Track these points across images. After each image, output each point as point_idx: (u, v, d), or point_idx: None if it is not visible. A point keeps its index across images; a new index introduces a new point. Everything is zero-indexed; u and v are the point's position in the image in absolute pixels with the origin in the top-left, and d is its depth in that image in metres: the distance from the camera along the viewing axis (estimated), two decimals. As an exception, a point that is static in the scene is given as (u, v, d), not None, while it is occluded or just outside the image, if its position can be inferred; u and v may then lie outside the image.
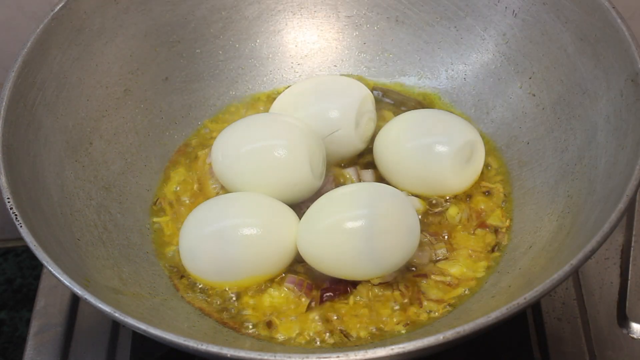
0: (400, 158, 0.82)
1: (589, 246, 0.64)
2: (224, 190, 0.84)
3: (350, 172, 0.85)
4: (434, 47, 0.92)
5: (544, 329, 0.83)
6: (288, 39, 0.95)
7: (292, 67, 0.96)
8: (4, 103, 0.75)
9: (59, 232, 0.74)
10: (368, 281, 0.76)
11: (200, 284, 0.78)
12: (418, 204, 0.82)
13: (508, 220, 0.81)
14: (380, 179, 0.85)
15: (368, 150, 0.87)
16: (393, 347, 0.59)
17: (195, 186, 0.86)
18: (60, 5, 0.82)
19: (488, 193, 0.83)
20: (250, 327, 0.75)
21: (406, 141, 0.83)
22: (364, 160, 0.87)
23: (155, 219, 0.84)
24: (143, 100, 0.89)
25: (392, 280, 0.76)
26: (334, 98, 0.85)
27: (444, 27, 0.91)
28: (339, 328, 0.74)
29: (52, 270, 0.66)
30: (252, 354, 0.60)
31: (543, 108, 0.84)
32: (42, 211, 0.74)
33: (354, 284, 0.76)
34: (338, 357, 0.59)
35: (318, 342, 0.74)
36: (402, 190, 0.81)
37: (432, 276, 0.77)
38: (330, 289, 0.76)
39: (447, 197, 0.83)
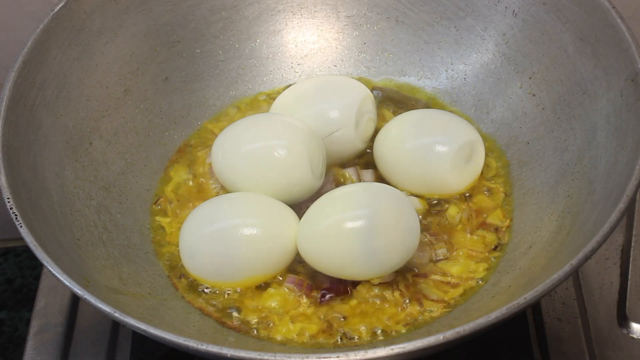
0: (400, 158, 0.82)
1: (589, 246, 0.64)
2: (224, 190, 0.84)
3: (350, 172, 0.85)
4: (434, 47, 0.92)
5: (544, 329, 0.83)
6: (288, 39, 0.95)
7: (292, 67, 0.96)
8: (4, 103, 0.75)
9: (59, 232, 0.74)
10: (368, 281, 0.76)
11: (200, 284, 0.78)
12: (418, 204, 0.82)
13: (508, 220, 0.81)
14: (380, 179, 0.85)
15: (368, 150, 0.87)
16: (393, 347, 0.59)
17: (195, 186, 0.86)
18: (60, 5, 0.82)
19: (488, 193, 0.83)
20: (250, 327, 0.75)
21: (406, 141, 0.83)
22: (364, 160, 0.87)
23: (155, 219, 0.84)
24: (143, 100, 0.89)
25: (392, 280, 0.76)
26: (334, 98, 0.85)
27: (444, 27, 0.91)
28: (339, 328, 0.74)
29: (52, 270, 0.66)
30: (252, 354, 0.60)
31: (543, 108, 0.84)
32: (42, 211, 0.74)
33: (354, 284, 0.76)
34: (338, 357, 0.59)
35: (318, 342, 0.74)
36: (402, 190, 0.81)
37: (432, 276, 0.77)
38: (330, 289, 0.76)
39: (448, 197, 0.83)
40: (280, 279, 0.77)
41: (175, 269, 0.80)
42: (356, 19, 0.95)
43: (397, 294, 0.76)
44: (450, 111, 0.90)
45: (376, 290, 0.76)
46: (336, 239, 0.73)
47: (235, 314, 0.76)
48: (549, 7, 0.83)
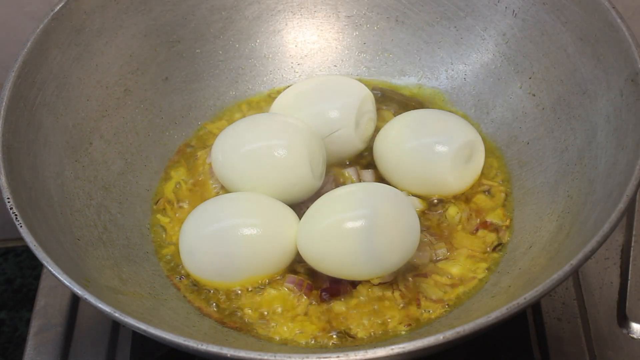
0: (400, 158, 0.82)
1: (589, 246, 0.64)
2: (224, 190, 0.84)
3: (350, 172, 0.85)
4: (434, 47, 0.92)
5: (544, 329, 0.83)
6: (288, 39, 0.95)
7: (292, 67, 0.96)
8: (4, 103, 0.75)
9: (59, 232, 0.74)
10: (368, 281, 0.76)
11: (200, 284, 0.78)
12: (418, 204, 0.82)
13: (508, 220, 0.81)
14: (380, 179, 0.85)
15: (368, 150, 0.87)
16: (393, 347, 0.59)
17: (195, 186, 0.86)
18: (60, 5, 0.82)
19: (488, 192, 0.83)
20: (250, 327, 0.75)
21: (406, 141, 0.83)
22: (364, 160, 0.87)
23: (155, 219, 0.84)
24: (143, 100, 0.89)
25: (392, 280, 0.76)
26: (334, 98, 0.85)
27: (444, 27, 0.91)
28: (339, 328, 0.74)
29: (52, 270, 0.66)
30: (252, 354, 0.60)
31: (543, 108, 0.84)
32: (42, 211, 0.74)
33: (354, 284, 0.76)
34: (338, 357, 0.59)
35: (318, 342, 0.74)
36: (402, 190, 0.81)
37: (432, 276, 0.77)
38: (330, 289, 0.76)
39: (447, 197, 0.83)
40: (281, 278, 0.77)
41: (175, 269, 0.80)
42: (356, 19, 0.95)
43: (397, 294, 0.76)
44: (450, 111, 0.90)
45: (376, 290, 0.76)
46: (336, 239, 0.73)
47: (235, 313, 0.76)
48: (549, 7, 0.83)
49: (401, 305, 0.75)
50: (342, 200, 0.75)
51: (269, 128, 0.82)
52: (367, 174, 0.85)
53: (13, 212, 0.69)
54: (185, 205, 0.85)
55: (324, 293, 0.76)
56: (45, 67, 0.80)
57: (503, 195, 0.83)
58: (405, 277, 0.77)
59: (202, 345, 0.61)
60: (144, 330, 0.63)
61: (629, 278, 0.87)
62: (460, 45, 0.91)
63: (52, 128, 0.80)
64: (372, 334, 0.74)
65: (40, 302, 0.89)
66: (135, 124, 0.88)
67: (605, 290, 0.86)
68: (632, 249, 0.89)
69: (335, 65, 0.96)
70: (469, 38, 0.91)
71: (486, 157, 0.85)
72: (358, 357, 0.59)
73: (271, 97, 0.93)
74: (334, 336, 0.74)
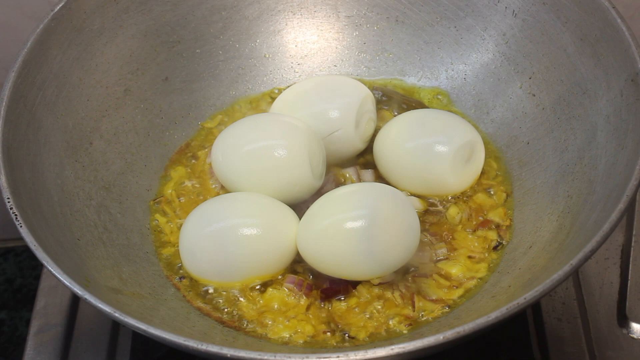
0: (400, 158, 0.82)
1: (589, 246, 0.64)
2: (224, 190, 0.84)
3: (350, 172, 0.85)
4: (434, 47, 0.92)
5: (544, 329, 0.83)
6: (288, 39, 0.95)
7: (292, 67, 0.96)
8: (4, 103, 0.75)
9: (59, 232, 0.74)
10: (368, 281, 0.76)
11: (200, 284, 0.78)
12: (418, 204, 0.82)
13: (508, 220, 0.81)
14: (380, 179, 0.85)
15: (368, 150, 0.87)
16: (393, 347, 0.59)
17: (195, 186, 0.86)
18: (60, 5, 0.82)
19: (488, 192, 0.83)
20: (250, 327, 0.75)
21: (406, 141, 0.83)
22: (364, 160, 0.87)
23: (155, 219, 0.84)
24: (143, 100, 0.89)
25: (392, 280, 0.76)
26: (334, 98, 0.85)
27: (444, 27, 0.91)
28: (339, 328, 0.74)
29: (52, 270, 0.66)
30: (252, 354, 0.60)
31: (543, 108, 0.84)
32: (42, 211, 0.74)
33: (354, 284, 0.76)
34: (338, 357, 0.59)
35: (318, 342, 0.74)
36: (402, 190, 0.81)
37: (433, 276, 0.77)
38: (330, 289, 0.76)
39: (447, 197, 0.83)
40: (281, 277, 0.77)
41: (175, 269, 0.80)
42: (356, 19, 0.95)
43: (397, 294, 0.76)
44: (450, 111, 0.90)
45: (376, 290, 0.76)
46: (336, 239, 0.73)
47: (235, 313, 0.76)
48: (549, 7, 0.83)
49: (401, 305, 0.75)
50: (342, 200, 0.75)
51: (269, 128, 0.82)
52: (367, 174, 0.85)
53: (13, 212, 0.69)
54: (185, 205, 0.85)
55: (324, 293, 0.76)
56: (45, 67, 0.80)
57: (503, 195, 0.83)
58: (406, 277, 0.77)
59: (202, 345, 0.61)
60: (144, 330, 0.63)
61: (629, 278, 0.87)
62: (460, 45, 0.91)
63: (52, 128, 0.80)
64: (372, 334, 0.74)
65: (40, 302, 0.89)
66: (135, 124, 0.88)
67: (605, 290, 0.86)
68: (632, 249, 0.89)
69: (335, 65, 0.96)
70: (469, 38, 0.91)
71: (486, 157, 0.85)
72: (358, 357, 0.59)
73: (271, 97, 0.93)
74: (334, 336, 0.74)
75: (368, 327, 0.74)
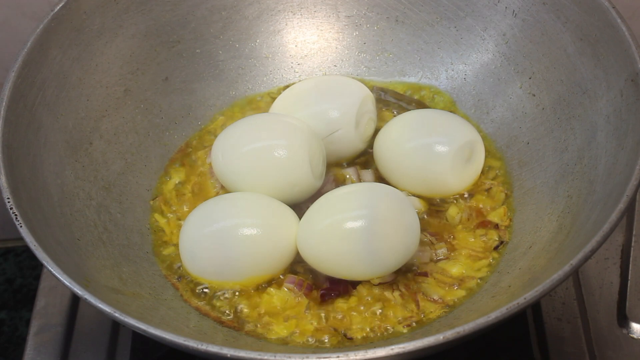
0: (400, 158, 0.82)
1: (589, 246, 0.64)
2: (224, 190, 0.84)
3: (350, 172, 0.85)
4: (434, 47, 0.92)
5: (544, 329, 0.83)
6: (288, 39, 0.95)
7: (292, 67, 0.96)
8: (4, 103, 0.75)
9: (59, 232, 0.74)
10: (368, 281, 0.76)
11: (200, 284, 0.78)
12: (418, 204, 0.82)
13: (508, 220, 0.81)
14: (380, 179, 0.85)
15: (368, 150, 0.87)
16: (393, 347, 0.59)
17: (195, 186, 0.86)
18: (60, 5, 0.82)
19: (488, 193, 0.83)
20: (250, 327, 0.75)
21: (406, 141, 0.83)
22: (364, 160, 0.87)
23: (155, 219, 0.84)
24: (143, 100, 0.89)
25: (392, 280, 0.76)
26: (334, 98, 0.85)
27: (444, 27, 0.91)
28: (338, 328, 0.74)
29: (52, 270, 0.66)
30: (252, 354, 0.60)
31: (543, 108, 0.84)
32: (42, 211, 0.74)
33: (354, 284, 0.76)
34: (338, 357, 0.59)
35: (318, 342, 0.74)
36: (402, 190, 0.81)
37: (433, 276, 0.77)
38: (330, 289, 0.76)
39: (448, 197, 0.83)
40: (282, 277, 0.77)
41: (175, 269, 0.80)
42: (356, 19, 0.95)
43: (397, 294, 0.76)
44: (450, 111, 0.90)
45: (376, 290, 0.76)
46: (336, 239, 0.73)
47: (235, 313, 0.76)
48: (549, 7, 0.83)
49: (401, 305, 0.75)
50: (342, 200, 0.75)
51: (269, 128, 0.82)
52: (367, 174, 0.85)
53: (13, 212, 0.69)
54: (185, 206, 0.85)
55: (323, 293, 0.76)
56: (45, 67, 0.80)
57: (503, 195, 0.83)
58: (406, 277, 0.77)
59: (202, 345, 0.61)
60: (144, 330, 0.63)
61: (629, 278, 0.87)
62: (460, 45, 0.91)
63: (52, 128, 0.80)
64: (372, 334, 0.74)
65: (40, 302, 0.89)
66: (135, 124, 0.88)
67: (605, 290, 0.86)
68: (632, 249, 0.89)
69: (335, 65, 0.96)
70: (469, 38, 0.91)
71: (486, 157, 0.85)
72: (358, 357, 0.59)
73: (271, 97, 0.93)
74: (334, 336, 0.74)
75: (368, 327, 0.74)
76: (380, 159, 0.84)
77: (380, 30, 0.94)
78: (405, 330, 0.74)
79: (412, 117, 0.85)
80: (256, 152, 0.80)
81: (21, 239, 0.68)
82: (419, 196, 0.83)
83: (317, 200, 0.77)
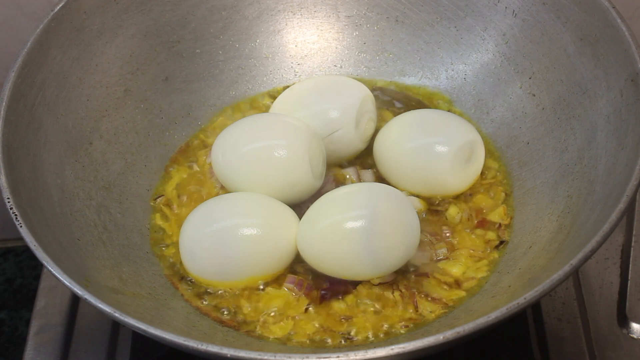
0: (400, 158, 0.82)
1: (589, 246, 0.64)
2: (224, 190, 0.84)
3: (350, 172, 0.85)
4: (434, 47, 0.92)
5: (544, 329, 0.83)
6: (288, 39, 0.95)
7: (292, 67, 0.96)
8: (4, 103, 0.75)
9: (59, 232, 0.74)
10: (368, 281, 0.76)
11: (200, 284, 0.78)
12: (418, 204, 0.82)
13: (508, 219, 0.81)
14: (380, 179, 0.85)
15: (368, 150, 0.87)
16: (393, 347, 0.59)
17: (195, 186, 0.86)
18: (60, 5, 0.82)
19: (488, 192, 0.83)
20: (250, 326, 0.75)
21: (406, 141, 0.83)
22: (364, 160, 0.87)
23: (155, 219, 0.84)
24: (143, 100, 0.89)
25: (392, 280, 0.76)
26: (334, 98, 0.85)
27: (444, 27, 0.91)
28: (338, 328, 0.74)
29: (52, 270, 0.66)
30: (252, 354, 0.60)
31: (543, 108, 0.84)
32: (42, 211, 0.74)
33: (354, 284, 0.76)
34: (338, 357, 0.59)
35: (318, 342, 0.74)
36: (402, 190, 0.81)
37: (433, 276, 0.77)
38: (330, 289, 0.76)
39: (448, 197, 0.83)
40: (281, 277, 0.77)
41: (175, 269, 0.80)
42: (356, 19, 0.95)
43: (397, 294, 0.76)
44: (450, 111, 0.90)
45: (376, 290, 0.76)
46: (336, 239, 0.73)
47: (235, 313, 0.76)
48: (549, 7, 0.83)
49: (401, 305, 0.75)
50: (342, 200, 0.75)
51: (269, 128, 0.82)
52: (367, 174, 0.85)
53: (13, 212, 0.69)
54: (185, 205, 0.85)
55: (323, 293, 0.76)
56: (45, 67, 0.80)
57: (503, 195, 0.83)
58: (406, 277, 0.77)
59: (202, 345, 0.61)
60: (144, 330, 0.63)
61: (629, 278, 0.87)
62: (460, 45, 0.91)
63: (52, 128, 0.80)
64: (372, 334, 0.74)
65: (40, 302, 0.89)
66: (135, 124, 0.88)
67: (605, 290, 0.86)
68: (632, 249, 0.89)
69: (335, 65, 0.96)
70: (469, 38, 0.91)
71: (486, 157, 0.85)
72: (358, 357, 0.59)
73: (271, 97, 0.93)
74: (334, 336, 0.74)
75: (368, 327, 0.74)
76: (380, 159, 0.84)
77: (380, 30, 0.94)
78: (405, 331, 0.74)
79: (412, 117, 0.85)
80: (256, 152, 0.80)
81: (21, 239, 0.68)
82: (418, 196, 0.83)
83: (317, 200, 0.77)
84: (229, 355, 0.60)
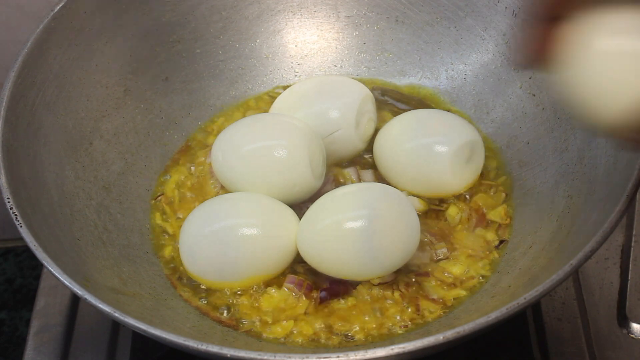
0: (400, 158, 0.82)
1: (589, 246, 0.64)
2: (224, 190, 0.84)
3: (350, 172, 0.85)
4: (434, 47, 0.92)
5: (544, 329, 0.83)
6: (288, 39, 0.95)
7: (292, 67, 0.96)
8: (4, 103, 0.75)
9: (59, 232, 0.74)
10: (368, 281, 0.76)
11: (200, 284, 0.78)
12: (418, 204, 0.82)
13: (508, 219, 0.81)
14: (380, 179, 0.85)
15: (368, 150, 0.87)
16: (393, 347, 0.59)
17: (195, 186, 0.86)
18: (60, 5, 0.82)
19: (488, 192, 0.83)
20: (250, 327, 0.75)
21: (406, 141, 0.83)
22: (364, 160, 0.87)
23: (155, 219, 0.84)
24: (143, 100, 0.89)
25: (392, 280, 0.76)
26: (334, 98, 0.85)
27: (444, 27, 0.91)
28: (338, 328, 0.74)
29: (52, 270, 0.66)
30: (252, 354, 0.60)
31: (543, 108, 0.84)
32: (42, 211, 0.74)
33: (354, 284, 0.76)
34: (338, 357, 0.59)
35: (318, 342, 0.74)
36: (402, 190, 0.81)
37: (433, 276, 0.77)
38: (330, 289, 0.76)
39: (448, 197, 0.83)
40: (281, 277, 0.77)
41: (175, 268, 0.80)
42: (356, 19, 0.95)
43: (397, 294, 0.76)
44: (450, 111, 0.90)
45: (376, 290, 0.76)
46: (336, 239, 0.73)
47: (234, 313, 0.76)
48: (549, 7, 0.83)
49: (401, 305, 0.75)
50: (342, 200, 0.75)
51: (269, 128, 0.82)
52: (367, 174, 0.85)
53: (13, 212, 0.69)
54: (185, 206, 0.85)
55: (323, 293, 0.76)
56: (45, 67, 0.80)
57: (503, 195, 0.83)
58: (406, 277, 0.77)
59: (202, 345, 0.61)
60: (144, 330, 0.63)
61: (629, 278, 0.87)
62: (460, 45, 0.91)
63: (52, 128, 0.80)
64: (372, 334, 0.74)
65: (40, 302, 0.89)
66: (135, 124, 0.88)
67: (605, 290, 0.86)
68: (632, 249, 0.88)
69: (335, 65, 0.96)
70: (469, 38, 0.91)
71: (486, 157, 0.84)
72: (358, 357, 0.59)
73: (271, 97, 0.93)
74: (334, 336, 0.74)
75: (368, 327, 0.74)
76: (380, 159, 0.84)
77: (380, 30, 0.94)
78: (405, 331, 0.74)
79: (412, 117, 0.85)
80: (256, 152, 0.80)
81: (21, 239, 0.68)
82: (418, 196, 0.83)
83: (317, 200, 0.77)
84: (228, 355, 0.60)
